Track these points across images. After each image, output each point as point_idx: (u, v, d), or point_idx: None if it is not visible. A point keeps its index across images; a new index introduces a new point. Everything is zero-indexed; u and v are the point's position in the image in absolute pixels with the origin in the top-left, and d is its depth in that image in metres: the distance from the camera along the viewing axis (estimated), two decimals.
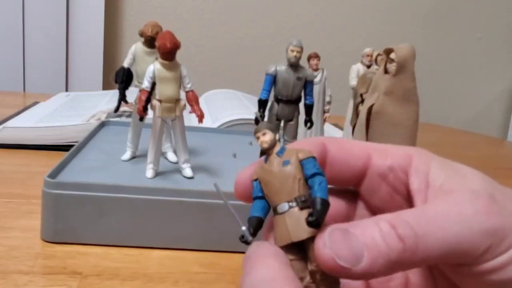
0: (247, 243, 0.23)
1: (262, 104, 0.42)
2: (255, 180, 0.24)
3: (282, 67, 0.41)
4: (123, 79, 0.46)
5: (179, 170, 0.44)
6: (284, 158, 0.23)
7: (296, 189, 0.23)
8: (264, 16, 1.35)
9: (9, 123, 0.65)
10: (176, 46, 0.40)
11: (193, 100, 0.42)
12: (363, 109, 0.41)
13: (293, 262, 0.22)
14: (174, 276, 0.35)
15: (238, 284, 0.35)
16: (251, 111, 0.75)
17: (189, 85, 0.42)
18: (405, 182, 0.27)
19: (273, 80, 0.42)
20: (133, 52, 0.46)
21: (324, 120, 0.50)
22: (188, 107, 0.42)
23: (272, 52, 1.36)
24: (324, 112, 0.50)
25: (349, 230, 0.20)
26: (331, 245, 0.20)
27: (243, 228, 0.23)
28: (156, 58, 0.41)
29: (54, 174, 0.39)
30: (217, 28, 1.32)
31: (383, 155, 0.28)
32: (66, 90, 1.19)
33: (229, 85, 1.04)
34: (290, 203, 0.23)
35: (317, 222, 0.21)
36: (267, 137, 0.24)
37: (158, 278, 0.34)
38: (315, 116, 0.49)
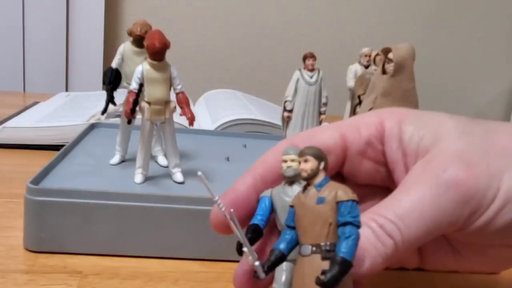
0: (259, 279, 0.21)
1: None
2: (291, 207, 0.21)
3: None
4: (111, 80, 0.44)
5: (169, 175, 0.42)
6: (320, 194, 0.20)
7: (324, 235, 0.19)
8: (264, 16, 1.35)
9: (9, 123, 0.65)
10: (165, 46, 0.38)
11: (183, 102, 0.40)
12: (360, 112, 0.40)
13: None
14: (174, 275, 0.35)
15: None
16: (251, 111, 0.75)
17: (179, 87, 0.40)
18: (384, 152, 0.28)
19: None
20: (122, 52, 0.44)
21: (320, 122, 0.49)
22: (179, 110, 0.41)
23: (272, 52, 1.36)
24: (320, 114, 0.49)
25: None
26: None
27: (257, 263, 0.21)
28: (145, 58, 0.39)
29: (38, 179, 0.38)
30: (217, 28, 1.32)
31: (357, 131, 0.28)
32: (66, 90, 1.19)
33: (229, 85, 1.04)
34: (314, 248, 0.20)
35: (326, 285, 0.18)
36: (308, 165, 0.20)
37: (158, 277, 0.34)
38: (310, 118, 0.48)
